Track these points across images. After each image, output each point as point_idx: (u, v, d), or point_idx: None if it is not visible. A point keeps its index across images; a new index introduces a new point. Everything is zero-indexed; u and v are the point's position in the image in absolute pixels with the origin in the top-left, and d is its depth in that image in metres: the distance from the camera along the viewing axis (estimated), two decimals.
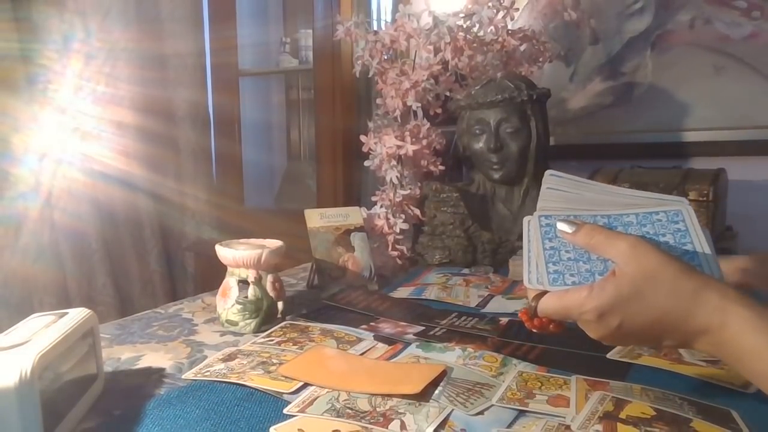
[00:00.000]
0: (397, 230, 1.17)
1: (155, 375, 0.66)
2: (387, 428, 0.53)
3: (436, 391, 0.59)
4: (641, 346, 0.58)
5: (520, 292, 0.98)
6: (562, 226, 0.54)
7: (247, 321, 0.81)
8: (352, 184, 1.98)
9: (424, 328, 0.81)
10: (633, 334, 0.50)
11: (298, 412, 0.56)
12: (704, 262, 0.52)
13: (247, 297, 0.81)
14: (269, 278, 0.83)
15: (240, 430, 0.53)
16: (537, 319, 0.54)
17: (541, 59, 1.34)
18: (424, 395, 0.58)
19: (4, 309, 1.45)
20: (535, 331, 0.55)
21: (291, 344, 0.74)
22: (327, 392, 0.59)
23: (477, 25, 1.21)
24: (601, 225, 0.55)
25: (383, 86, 1.21)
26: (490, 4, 1.19)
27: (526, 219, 0.59)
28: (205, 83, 2.06)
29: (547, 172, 0.61)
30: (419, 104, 1.18)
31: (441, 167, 1.24)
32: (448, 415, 0.55)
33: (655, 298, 0.47)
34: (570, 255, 0.55)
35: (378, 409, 0.56)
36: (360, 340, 0.76)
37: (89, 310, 0.60)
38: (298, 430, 0.53)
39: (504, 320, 0.83)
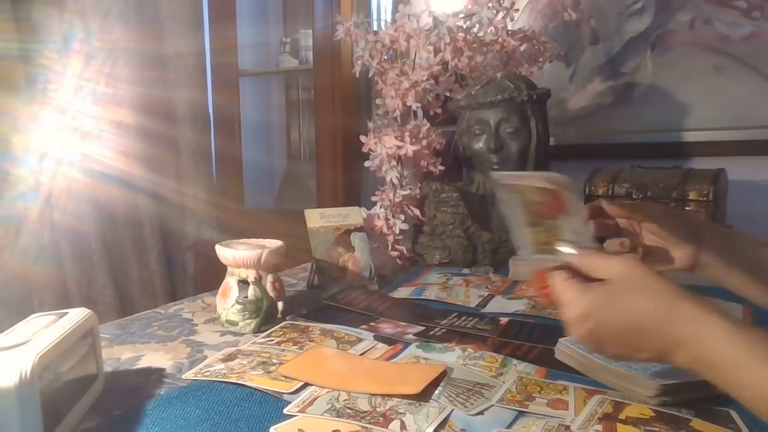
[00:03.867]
0: (397, 230, 1.17)
1: (155, 375, 0.66)
2: (387, 428, 0.53)
3: (436, 391, 0.59)
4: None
5: (520, 292, 0.98)
6: (564, 249, 0.56)
7: (247, 321, 0.81)
8: (352, 184, 1.98)
9: (424, 328, 0.81)
10: (610, 339, 0.49)
11: (298, 412, 0.56)
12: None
13: (247, 297, 0.81)
14: (269, 278, 0.83)
15: (240, 430, 0.53)
16: (546, 287, 0.54)
17: (540, 59, 1.34)
18: (424, 395, 0.58)
19: (4, 309, 1.44)
20: (540, 293, 0.56)
21: (291, 344, 0.74)
22: (327, 392, 0.59)
23: (477, 26, 1.21)
24: None
25: (383, 86, 1.21)
26: (490, 4, 1.19)
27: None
28: (205, 83, 2.05)
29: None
30: (419, 104, 1.18)
31: (441, 167, 1.23)
32: (448, 415, 0.55)
33: (633, 300, 0.47)
34: None
35: (378, 409, 0.56)
36: (360, 340, 0.76)
37: (89, 310, 0.60)
38: (298, 430, 0.53)
39: (504, 320, 0.83)
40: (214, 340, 0.78)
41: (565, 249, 0.56)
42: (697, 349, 0.44)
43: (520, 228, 0.62)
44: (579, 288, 0.50)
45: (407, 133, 1.17)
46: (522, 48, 1.29)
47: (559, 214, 0.60)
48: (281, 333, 0.79)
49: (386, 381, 0.62)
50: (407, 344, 0.74)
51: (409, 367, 0.67)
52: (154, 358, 0.72)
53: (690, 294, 0.47)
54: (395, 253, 1.18)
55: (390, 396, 0.58)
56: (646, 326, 0.46)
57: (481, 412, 0.56)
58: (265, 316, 0.81)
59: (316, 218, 1.03)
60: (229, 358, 0.69)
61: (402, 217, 1.18)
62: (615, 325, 0.48)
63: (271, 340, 0.76)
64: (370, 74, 1.23)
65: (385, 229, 1.16)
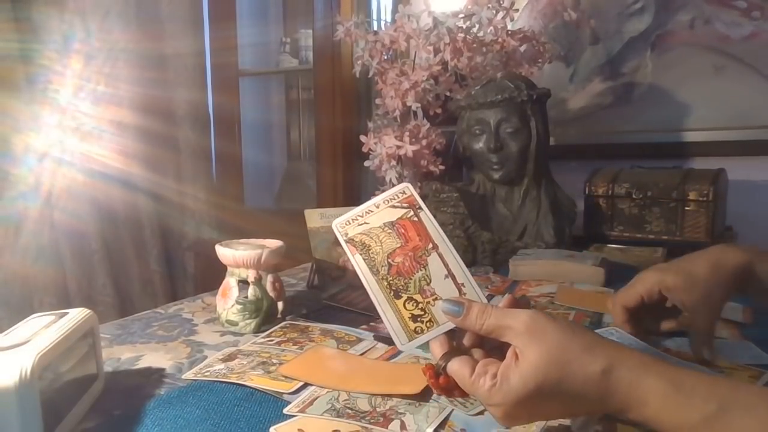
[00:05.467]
0: None
1: (155, 375, 0.66)
2: (387, 428, 0.53)
3: None
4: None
5: (520, 292, 0.98)
6: (446, 308, 0.49)
7: (247, 321, 0.81)
8: (352, 184, 1.99)
9: None
10: (546, 417, 0.49)
11: (298, 412, 0.56)
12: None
13: (247, 297, 0.81)
14: (269, 278, 0.83)
15: (240, 430, 0.53)
16: (443, 378, 0.48)
17: (540, 60, 1.34)
18: (424, 395, 0.58)
19: (4, 309, 1.44)
20: (437, 391, 0.50)
21: (291, 344, 0.74)
22: (327, 392, 0.59)
23: (476, 26, 1.21)
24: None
25: (383, 86, 1.22)
26: (489, 4, 1.19)
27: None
28: (205, 83, 2.05)
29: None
30: (419, 104, 1.18)
31: (441, 167, 1.24)
32: (448, 415, 0.55)
33: (564, 386, 0.43)
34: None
35: (378, 409, 0.56)
36: (360, 340, 0.76)
37: (89, 310, 0.60)
38: (298, 430, 0.53)
39: None
40: (214, 340, 0.78)
41: (447, 307, 0.49)
42: (642, 415, 0.43)
43: (386, 308, 0.53)
44: (488, 379, 0.45)
45: (407, 133, 1.17)
46: (522, 48, 1.29)
47: (421, 253, 0.53)
48: (281, 333, 0.79)
49: (386, 381, 0.62)
50: None
51: (409, 367, 0.67)
52: (154, 358, 0.72)
53: (620, 353, 0.44)
54: None
55: (390, 396, 0.58)
56: (585, 404, 0.44)
57: (480, 412, 0.56)
58: (265, 316, 0.81)
59: (316, 218, 1.03)
60: (229, 358, 0.69)
61: None
62: (550, 410, 0.46)
63: (271, 340, 0.76)
64: (370, 74, 1.24)
65: None
